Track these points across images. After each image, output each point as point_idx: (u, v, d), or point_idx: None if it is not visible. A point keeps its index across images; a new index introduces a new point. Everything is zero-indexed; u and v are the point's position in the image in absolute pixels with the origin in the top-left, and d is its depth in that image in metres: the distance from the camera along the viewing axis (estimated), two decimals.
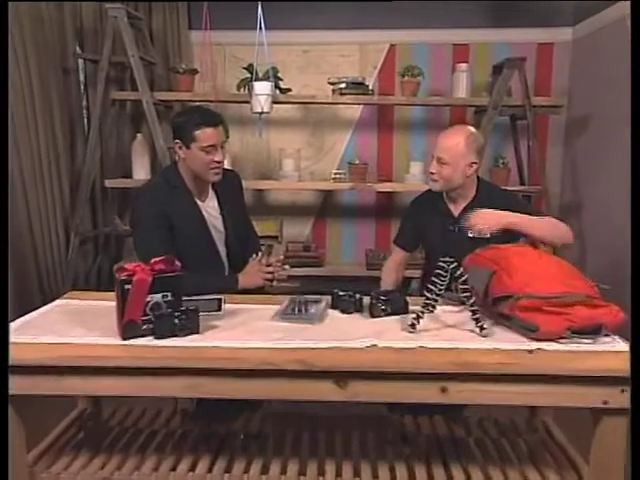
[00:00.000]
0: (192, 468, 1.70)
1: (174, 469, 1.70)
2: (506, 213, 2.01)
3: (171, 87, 3.51)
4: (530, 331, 1.53)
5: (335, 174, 3.51)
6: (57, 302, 1.94)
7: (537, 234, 2.07)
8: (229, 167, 3.00)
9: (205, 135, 2.00)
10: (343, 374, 1.44)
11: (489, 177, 3.46)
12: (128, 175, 3.47)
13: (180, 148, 2.06)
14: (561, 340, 1.52)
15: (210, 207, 2.19)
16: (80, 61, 3.49)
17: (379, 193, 3.84)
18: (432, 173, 2.18)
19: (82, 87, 3.56)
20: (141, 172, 3.42)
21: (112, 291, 1.58)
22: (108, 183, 3.42)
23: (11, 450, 1.39)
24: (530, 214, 2.08)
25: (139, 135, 3.47)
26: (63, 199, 3.35)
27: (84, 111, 3.57)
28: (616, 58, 3.03)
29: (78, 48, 3.44)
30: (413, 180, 3.45)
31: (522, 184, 3.60)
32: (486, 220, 1.99)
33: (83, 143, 3.46)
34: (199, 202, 2.16)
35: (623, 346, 1.50)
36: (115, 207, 3.61)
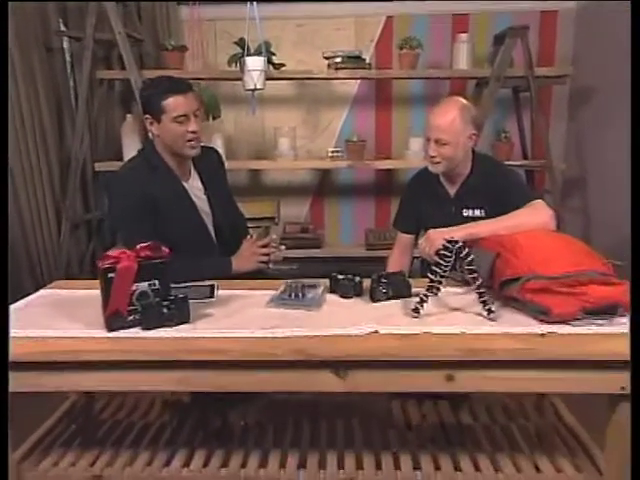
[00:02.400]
0: (187, 463, 1.63)
1: (168, 464, 1.62)
2: (454, 229, 1.82)
3: (160, 65, 3.38)
4: (541, 314, 1.44)
5: (332, 152, 3.41)
6: (41, 292, 1.85)
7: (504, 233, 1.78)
8: (216, 146, 2.90)
9: (174, 104, 1.87)
10: (343, 363, 1.35)
11: (491, 151, 3.39)
12: (119, 158, 3.36)
13: (151, 124, 1.94)
14: (575, 322, 1.42)
15: (195, 187, 2.07)
16: (66, 40, 3.36)
17: (378, 171, 3.75)
18: (433, 157, 2.02)
19: (69, 67, 3.42)
20: (132, 154, 3.29)
21: None
22: (98, 166, 3.33)
23: None
24: (527, 197, 1.93)
25: (129, 116, 3.36)
26: (53, 184, 3.28)
27: (72, 92, 3.46)
28: (623, 26, 2.88)
29: (62, 25, 3.31)
30: (413, 156, 3.35)
31: (525, 158, 3.52)
32: (431, 241, 1.83)
33: (72, 125, 3.36)
34: (184, 183, 2.04)
35: None
36: None
